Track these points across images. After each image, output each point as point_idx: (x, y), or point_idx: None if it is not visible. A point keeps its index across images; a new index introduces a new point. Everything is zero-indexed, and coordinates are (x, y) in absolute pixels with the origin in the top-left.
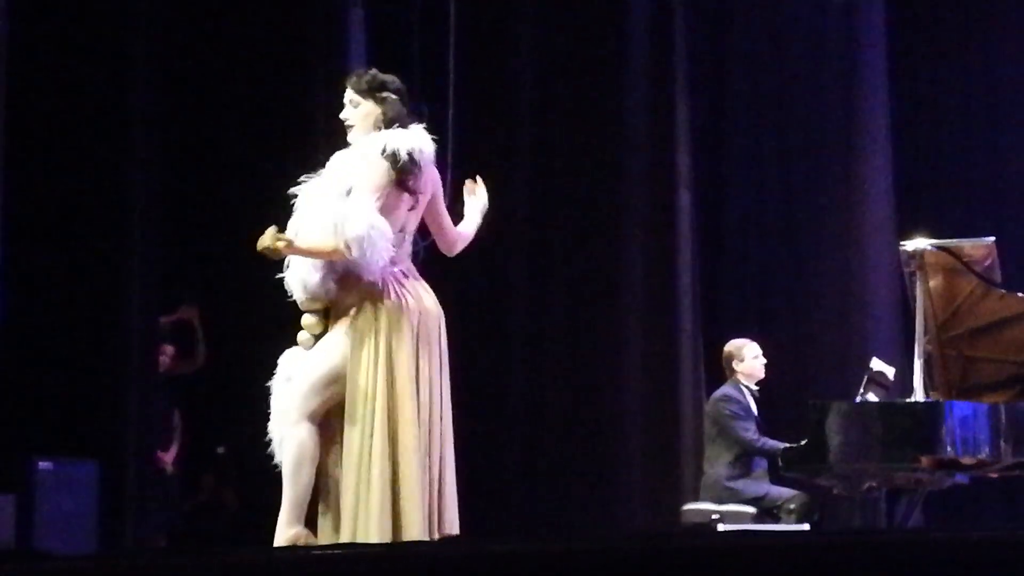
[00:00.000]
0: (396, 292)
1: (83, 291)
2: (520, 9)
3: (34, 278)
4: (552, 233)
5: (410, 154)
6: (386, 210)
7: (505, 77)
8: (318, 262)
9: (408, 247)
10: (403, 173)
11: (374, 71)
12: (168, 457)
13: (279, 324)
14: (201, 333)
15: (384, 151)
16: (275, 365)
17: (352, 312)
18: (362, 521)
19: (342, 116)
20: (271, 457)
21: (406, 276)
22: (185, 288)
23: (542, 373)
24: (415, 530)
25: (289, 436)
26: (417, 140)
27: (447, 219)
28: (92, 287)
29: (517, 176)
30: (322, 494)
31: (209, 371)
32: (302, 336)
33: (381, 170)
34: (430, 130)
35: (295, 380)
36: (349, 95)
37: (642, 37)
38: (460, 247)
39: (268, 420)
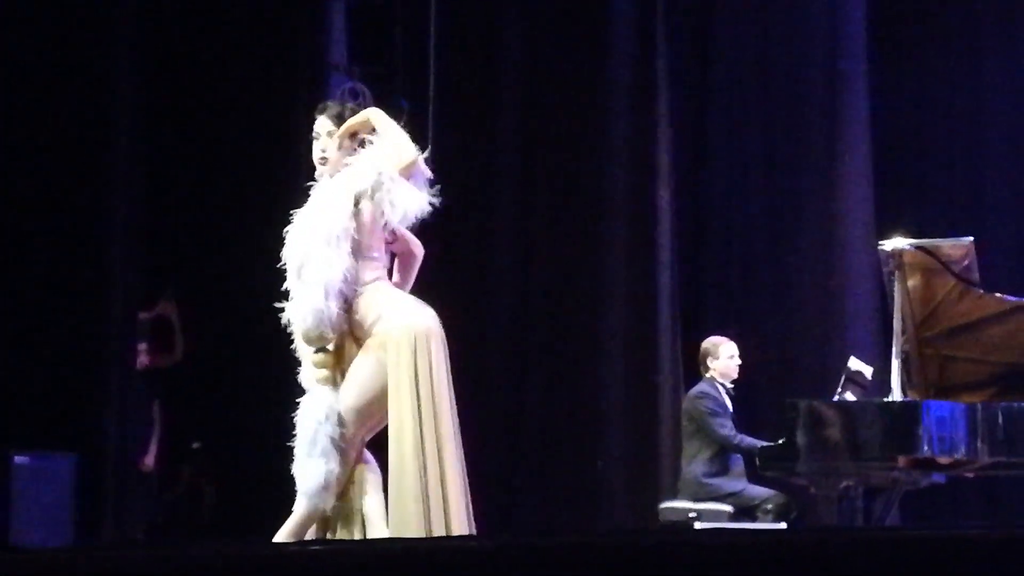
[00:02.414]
0: (410, 307)
1: (62, 286)
2: (503, 4)
3: (13, 272)
4: (533, 231)
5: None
6: (365, 233)
7: (487, 72)
8: (334, 295)
9: (380, 256)
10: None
11: (351, 104)
12: (148, 460)
13: (256, 320)
14: (179, 328)
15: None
16: (252, 360)
17: (381, 331)
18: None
19: (318, 147)
20: (248, 450)
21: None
22: (164, 284)
23: (522, 372)
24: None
25: (322, 465)
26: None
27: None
28: (71, 282)
29: (498, 172)
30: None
31: (187, 365)
32: (320, 375)
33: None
34: (412, 125)
35: (332, 416)
36: (326, 126)
37: (625, 35)
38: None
39: (252, 420)
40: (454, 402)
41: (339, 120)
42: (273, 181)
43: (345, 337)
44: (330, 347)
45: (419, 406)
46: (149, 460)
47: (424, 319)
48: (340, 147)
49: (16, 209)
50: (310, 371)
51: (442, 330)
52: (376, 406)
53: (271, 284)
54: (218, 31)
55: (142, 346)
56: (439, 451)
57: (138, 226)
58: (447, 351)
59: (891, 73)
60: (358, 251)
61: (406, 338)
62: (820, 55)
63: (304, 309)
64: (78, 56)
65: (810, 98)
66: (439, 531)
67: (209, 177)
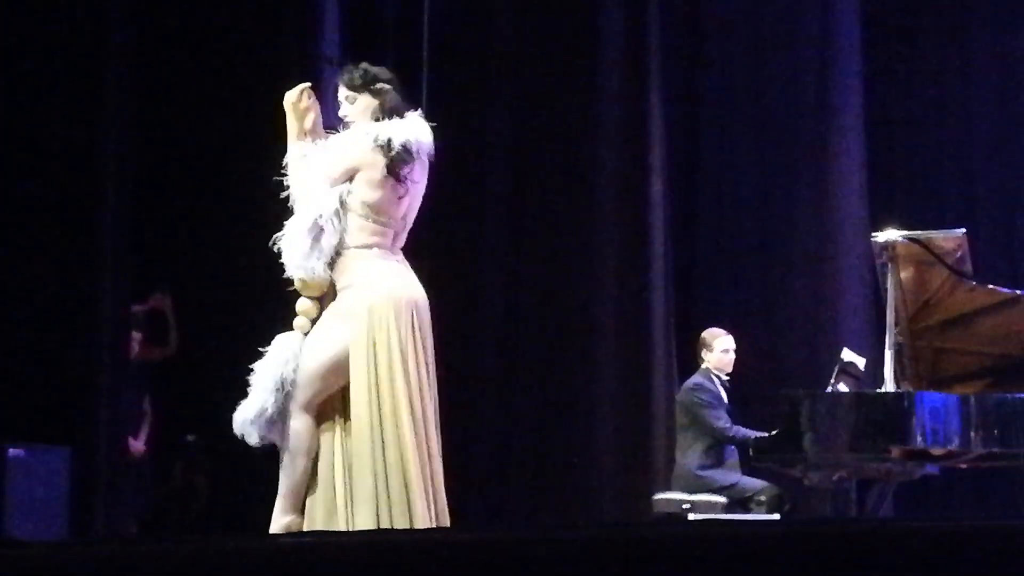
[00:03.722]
0: (387, 280)
1: (54, 278)
2: None
3: (3, 265)
4: (525, 223)
5: (404, 144)
6: (373, 195)
7: (480, 63)
8: (308, 232)
9: (397, 235)
10: (395, 162)
11: (364, 64)
12: (138, 444)
13: (251, 313)
14: (173, 321)
15: (376, 139)
16: (246, 353)
17: (345, 300)
18: (383, 510)
19: (340, 114)
20: (242, 444)
21: (398, 262)
22: (158, 276)
23: (515, 362)
24: (421, 520)
25: (288, 426)
26: (414, 130)
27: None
28: (64, 274)
29: (491, 166)
30: (315, 482)
31: (180, 358)
32: (299, 322)
33: (362, 154)
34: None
35: (292, 363)
36: (343, 92)
37: (617, 26)
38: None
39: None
40: (427, 382)
41: (350, 85)
42: (266, 173)
43: (329, 293)
44: (315, 295)
45: (377, 385)
46: (139, 445)
47: (395, 295)
48: (360, 110)
49: (6, 201)
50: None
51: (420, 308)
52: (328, 373)
53: (265, 276)
54: (210, 24)
55: (136, 336)
56: (397, 428)
57: (130, 218)
58: (425, 330)
59: (883, 67)
60: (358, 207)
61: (369, 313)
62: (813, 49)
63: (284, 246)
64: (68, 48)
65: (803, 91)
66: (399, 509)
67: (202, 169)
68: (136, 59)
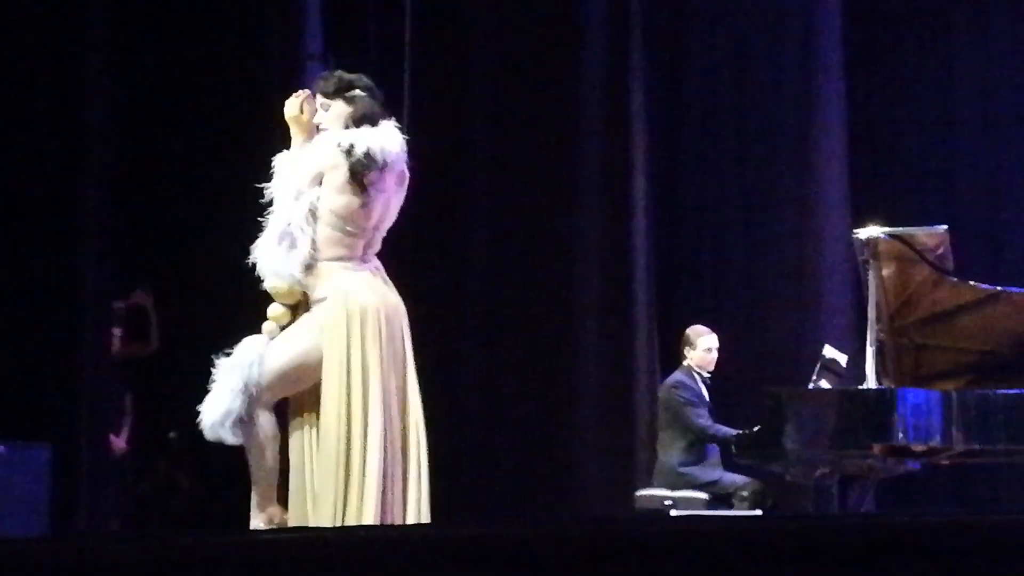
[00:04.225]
0: (360, 293)
1: (36, 274)
2: None
3: None
4: (507, 219)
5: (368, 151)
6: (339, 202)
7: (462, 63)
8: (279, 240)
9: (369, 243)
10: (357, 169)
11: (339, 72)
12: (120, 441)
13: (233, 310)
14: (155, 318)
15: (340, 145)
16: (228, 350)
17: (320, 312)
18: (353, 508)
19: (315, 120)
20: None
21: (371, 272)
22: (139, 273)
23: (497, 359)
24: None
25: (254, 425)
26: (381, 138)
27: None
28: (45, 270)
29: (472, 163)
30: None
31: (162, 355)
32: (268, 326)
33: (326, 158)
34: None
35: (257, 365)
36: (319, 99)
37: (599, 24)
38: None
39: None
40: (403, 389)
41: (324, 92)
42: (248, 171)
43: (303, 303)
44: (289, 303)
45: (349, 399)
46: (120, 442)
47: (366, 307)
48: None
49: None
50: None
51: (391, 317)
52: (288, 376)
53: (248, 274)
54: (193, 20)
55: (117, 333)
56: (364, 443)
57: (111, 215)
58: (399, 338)
59: (865, 63)
60: (326, 215)
61: (345, 325)
62: (795, 43)
63: (259, 256)
64: (49, 43)
65: (785, 86)
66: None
67: (184, 166)
68: (119, 56)
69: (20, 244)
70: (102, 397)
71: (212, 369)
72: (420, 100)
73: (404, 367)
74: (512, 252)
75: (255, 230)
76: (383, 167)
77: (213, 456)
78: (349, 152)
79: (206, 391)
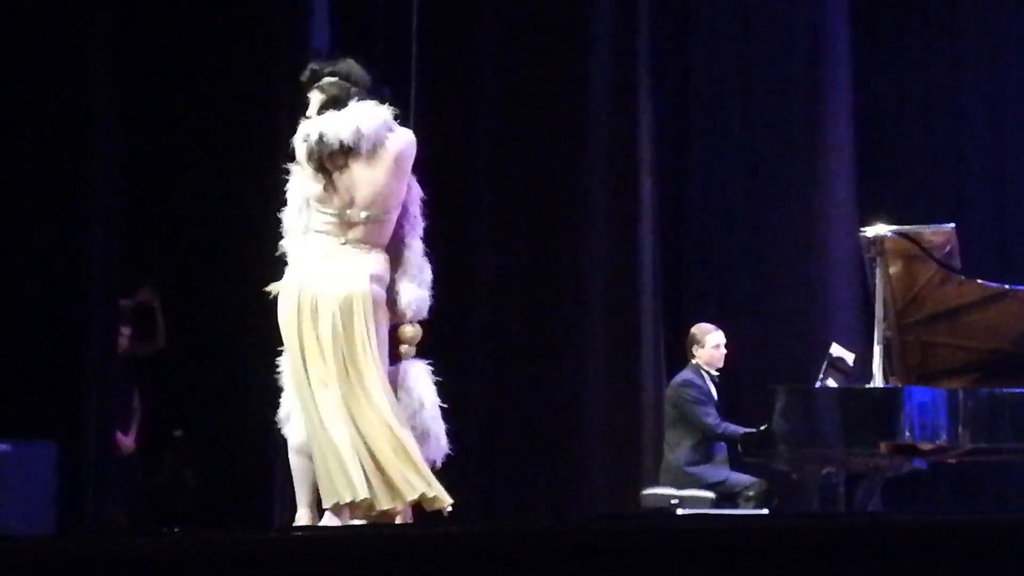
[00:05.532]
0: (307, 270)
1: (42, 272)
2: None
3: None
4: (514, 219)
5: (321, 135)
6: (310, 187)
7: (469, 60)
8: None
9: (351, 224)
10: (312, 153)
11: (312, 64)
12: (128, 439)
13: (240, 307)
14: (162, 317)
15: (299, 132)
16: (235, 348)
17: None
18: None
19: (308, 113)
20: (230, 439)
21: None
22: (146, 271)
23: (504, 358)
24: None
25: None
26: (338, 121)
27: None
28: (51, 268)
29: (478, 162)
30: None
31: (169, 353)
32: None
33: (297, 152)
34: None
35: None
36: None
37: (606, 23)
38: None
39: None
40: (364, 369)
41: (305, 85)
42: (256, 167)
43: None
44: None
45: (307, 372)
46: (127, 440)
47: (308, 286)
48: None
49: None
50: None
51: (358, 298)
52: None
53: (255, 271)
54: (200, 16)
55: (124, 330)
56: (321, 420)
57: (118, 212)
58: (349, 322)
59: (873, 62)
60: (313, 205)
61: (285, 304)
62: (802, 44)
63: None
64: (56, 40)
65: (792, 86)
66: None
67: (191, 163)
68: (125, 51)
69: (27, 242)
70: (109, 395)
71: (218, 367)
72: (427, 94)
73: (363, 349)
74: (518, 253)
75: (261, 228)
76: (344, 150)
77: (220, 453)
78: (305, 138)
79: (213, 389)
